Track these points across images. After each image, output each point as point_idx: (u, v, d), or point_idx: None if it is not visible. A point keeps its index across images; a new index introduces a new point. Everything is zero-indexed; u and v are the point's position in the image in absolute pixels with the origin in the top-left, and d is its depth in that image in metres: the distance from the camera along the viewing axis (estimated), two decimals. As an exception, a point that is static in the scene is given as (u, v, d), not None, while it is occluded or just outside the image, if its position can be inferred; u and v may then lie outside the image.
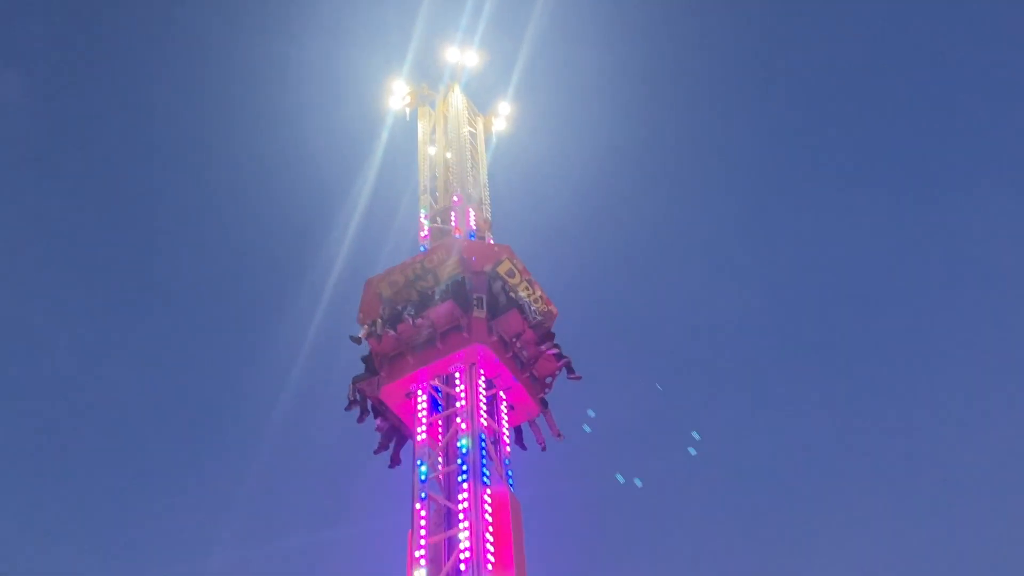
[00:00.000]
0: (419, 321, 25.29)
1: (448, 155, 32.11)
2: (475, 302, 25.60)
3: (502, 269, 26.53)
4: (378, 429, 25.75)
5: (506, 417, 25.25)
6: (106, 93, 66.88)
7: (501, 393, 25.41)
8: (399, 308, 25.94)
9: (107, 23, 66.80)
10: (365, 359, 26.14)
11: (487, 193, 31.63)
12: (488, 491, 22.35)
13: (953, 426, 61.46)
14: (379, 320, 25.97)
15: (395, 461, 25.71)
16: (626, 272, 61.41)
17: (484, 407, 24.28)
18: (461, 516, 22.01)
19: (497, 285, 26.19)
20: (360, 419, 25.84)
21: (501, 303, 25.72)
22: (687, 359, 63.37)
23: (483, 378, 24.81)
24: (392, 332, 25.39)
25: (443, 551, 22.23)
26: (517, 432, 25.66)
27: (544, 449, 25.80)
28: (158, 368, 65.28)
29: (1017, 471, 57.01)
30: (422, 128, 33.48)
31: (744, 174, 65.37)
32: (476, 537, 21.48)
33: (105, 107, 66.90)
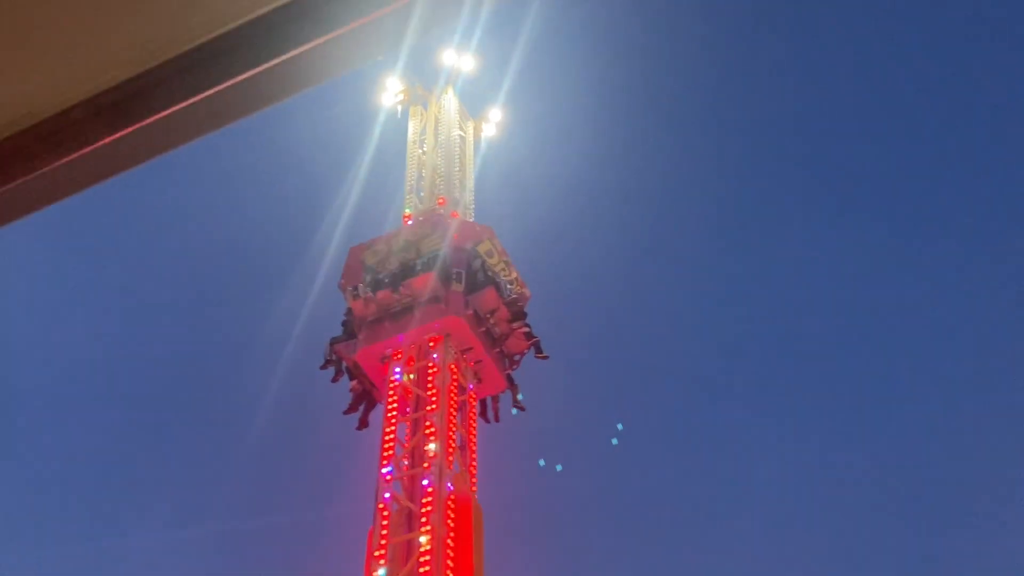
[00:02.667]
0: (399, 289, 26.21)
1: (436, 157, 32.26)
2: (454, 276, 26.45)
3: (482, 248, 27.45)
4: (352, 390, 26.54)
5: (476, 422, 25.57)
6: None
7: (471, 385, 25.76)
8: (380, 276, 26.70)
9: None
10: (344, 323, 27.02)
11: (472, 197, 31.84)
12: (452, 496, 22.66)
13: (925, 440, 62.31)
14: (361, 285, 26.71)
15: (363, 424, 26.54)
16: (603, 277, 61.90)
17: (456, 412, 24.63)
18: (424, 520, 22.27)
19: (476, 263, 27.04)
20: (334, 379, 26.70)
21: (479, 280, 26.63)
22: (649, 362, 63.98)
23: (457, 383, 25.12)
24: (373, 297, 26.21)
25: (403, 553, 22.48)
26: (482, 404, 26.57)
27: (498, 422, 26.77)
28: (145, 329, 65.18)
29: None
30: (412, 128, 33.54)
31: (726, 186, 65.98)
32: (437, 542, 21.75)
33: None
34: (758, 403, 66.38)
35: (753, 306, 67.64)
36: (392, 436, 24.39)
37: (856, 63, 66.41)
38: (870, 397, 65.14)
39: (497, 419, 26.65)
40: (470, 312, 26.03)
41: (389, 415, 24.82)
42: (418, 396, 25.07)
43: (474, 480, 24.37)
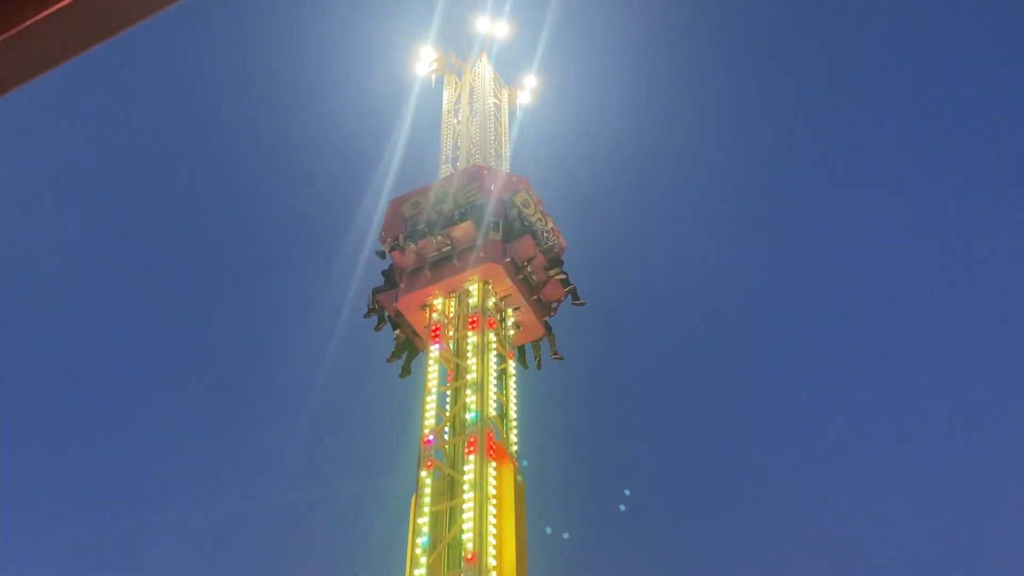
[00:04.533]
0: (438, 238, 26.93)
1: (472, 126, 32.15)
2: (491, 225, 27.01)
3: (518, 199, 28.14)
4: (396, 339, 27.37)
5: (515, 391, 25.63)
6: (131, 49, 66.83)
7: (510, 368, 25.88)
8: (420, 226, 27.42)
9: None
10: (385, 273, 27.81)
11: (508, 166, 31.72)
12: (493, 465, 22.78)
13: (955, 428, 61.58)
14: (401, 236, 27.48)
15: (405, 371, 27.30)
16: (643, 241, 61.67)
17: (494, 381, 24.71)
18: (465, 487, 22.40)
19: (513, 212, 27.71)
20: (377, 327, 27.59)
21: (516, 228, 27.30)
22: (674, 331, 63.74)
23: (494, 354, 25.18)
24: (413, 246, 26.81)
25: (445, 520, 22.67)
26: (521, 351, 27.22)
27: (539, 369, 27.35)
28: (206, 322, 66.06)
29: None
30: (447, 97, 33.45)
31: (769, 151, 65.08)
32: (479, 509, 21.88)
33: (131, 62, 66.88)
34: (795, 368, 65.89)
35: (799, 269, 66.99)
36: (433, 405, 24.57)
37: (920, 13, 64.83)
38: (918, 372, 64.23)
39: (539, 367, 27.32)
40: (508, 260, 26.64)
41: (430, 384, 24.97)
42: (458, 365, 25.20)
43: (515, 447, 24.47)
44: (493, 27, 34.09)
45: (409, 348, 27.37)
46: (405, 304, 26.82)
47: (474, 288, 26.07)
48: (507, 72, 34.49)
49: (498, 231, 26.89)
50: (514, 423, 25.01)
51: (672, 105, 59.68)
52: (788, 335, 66.64)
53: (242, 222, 67.91)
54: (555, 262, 27.54)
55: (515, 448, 24.47)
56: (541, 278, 27.31)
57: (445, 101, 33.29)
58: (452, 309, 26.49)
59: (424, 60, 34.14)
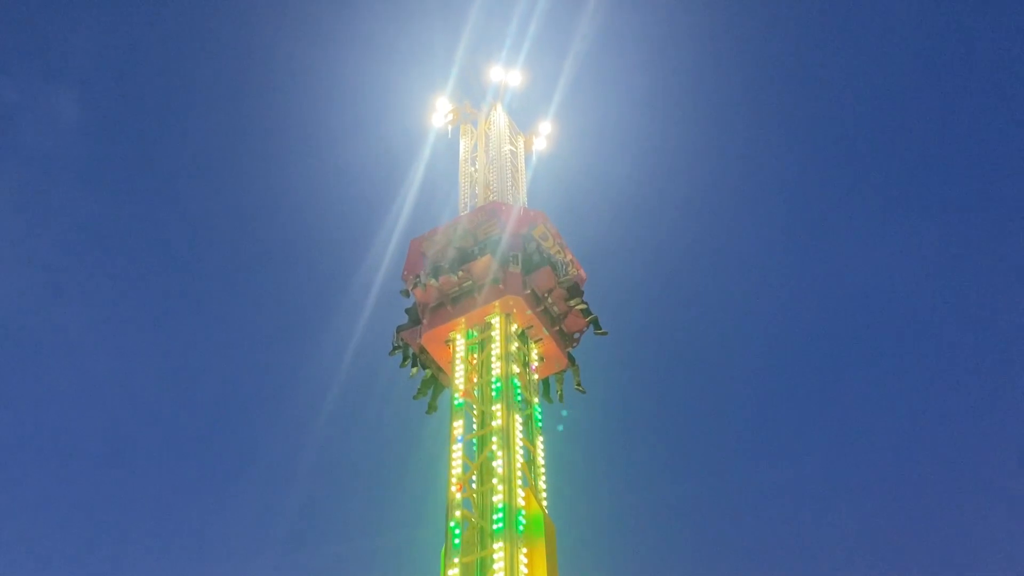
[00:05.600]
0: (459, 274, 27.29)
1: (488, 173, 32.33)
2: (511, 259, 27.28)
3: (536, 232, 28.49)
4: (420, 375, 27.58)
5: (542, 436, 25.30)
6: (155, 111, 67.98)
7: (536, 412, 25.63)
8: (440, 263, 27.81)
9: (156, 45, 68.07)
10: (408, 310, 28.25)
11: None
12: (523, 512, 22.42)
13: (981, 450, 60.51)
14: (422, 273, 27.90)
15: (432, 408, 27.53)
16: (662, 291, 61.51)
17: (520, 428, 24.43)
18: (495, 537, 22.02)
19: (532, 245, 27.96)
20: (403, 364, 27.85)
21: (535, 261, 27.50)
22: (705, 372, 63.19)
23: (520, 394, 24.97)
24: (435, 283, 27.10)
25: (476, 571, 22.27)
26: (545, 384, 27.37)
27: (561, 401, 27.50)
28: (202, 375, 66.12)
29: None
30: (464, 146, 33.71)
31: (783, 194, 65.09)
32: (510, 559, 21.50)
33: (154, 126, 67.99)
34: (815, 394, 65.17)
35: (814, 298, 66.57)
36: (460, 454, 24.27)
37: (929, 56, 65.07)
38: (939, 404, 63.42)
39: (561, 399, 27.44)
40: (528, 292, 26.81)
41: (455, 432, 24.69)
42: (483, 412, 24.96)
43: (543, 494, 24.09)
44: (507, 76, 34.42)
45: (435, 385, 27.59)
46: (429, 340, 27.09)
47: (496, 328, 25.99)
48: (522, 119, 34.80)
49: (517, 264, 27.14)
50: (542, 469, 24.63)
51: (687, 144, 59.87)
52: (805, 361, 66.12)
53: (254, 261, 68.26)
54: (575, 292, 27.69)
55: (544, 494, 24.07)
56: (562, 309, 27.54)
57: (462, 151, 33.55)
58: (475, 356, 26.32)
59: (440, 111, 34.56)
